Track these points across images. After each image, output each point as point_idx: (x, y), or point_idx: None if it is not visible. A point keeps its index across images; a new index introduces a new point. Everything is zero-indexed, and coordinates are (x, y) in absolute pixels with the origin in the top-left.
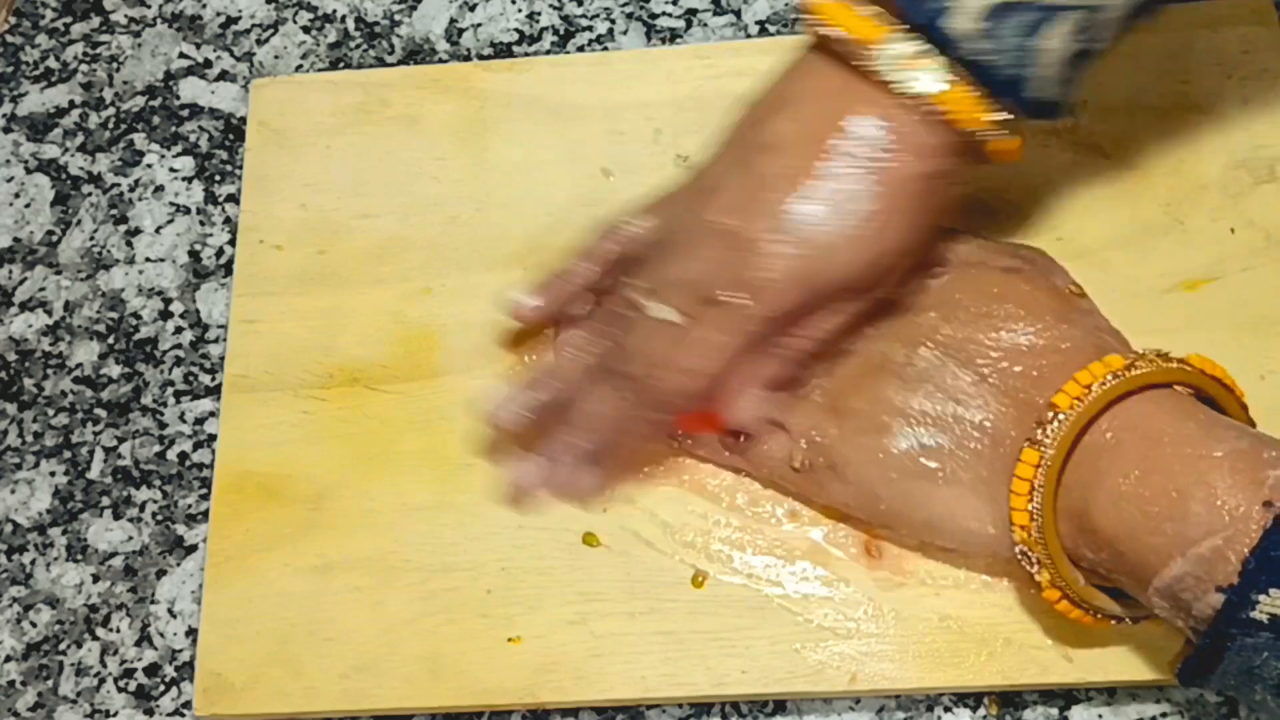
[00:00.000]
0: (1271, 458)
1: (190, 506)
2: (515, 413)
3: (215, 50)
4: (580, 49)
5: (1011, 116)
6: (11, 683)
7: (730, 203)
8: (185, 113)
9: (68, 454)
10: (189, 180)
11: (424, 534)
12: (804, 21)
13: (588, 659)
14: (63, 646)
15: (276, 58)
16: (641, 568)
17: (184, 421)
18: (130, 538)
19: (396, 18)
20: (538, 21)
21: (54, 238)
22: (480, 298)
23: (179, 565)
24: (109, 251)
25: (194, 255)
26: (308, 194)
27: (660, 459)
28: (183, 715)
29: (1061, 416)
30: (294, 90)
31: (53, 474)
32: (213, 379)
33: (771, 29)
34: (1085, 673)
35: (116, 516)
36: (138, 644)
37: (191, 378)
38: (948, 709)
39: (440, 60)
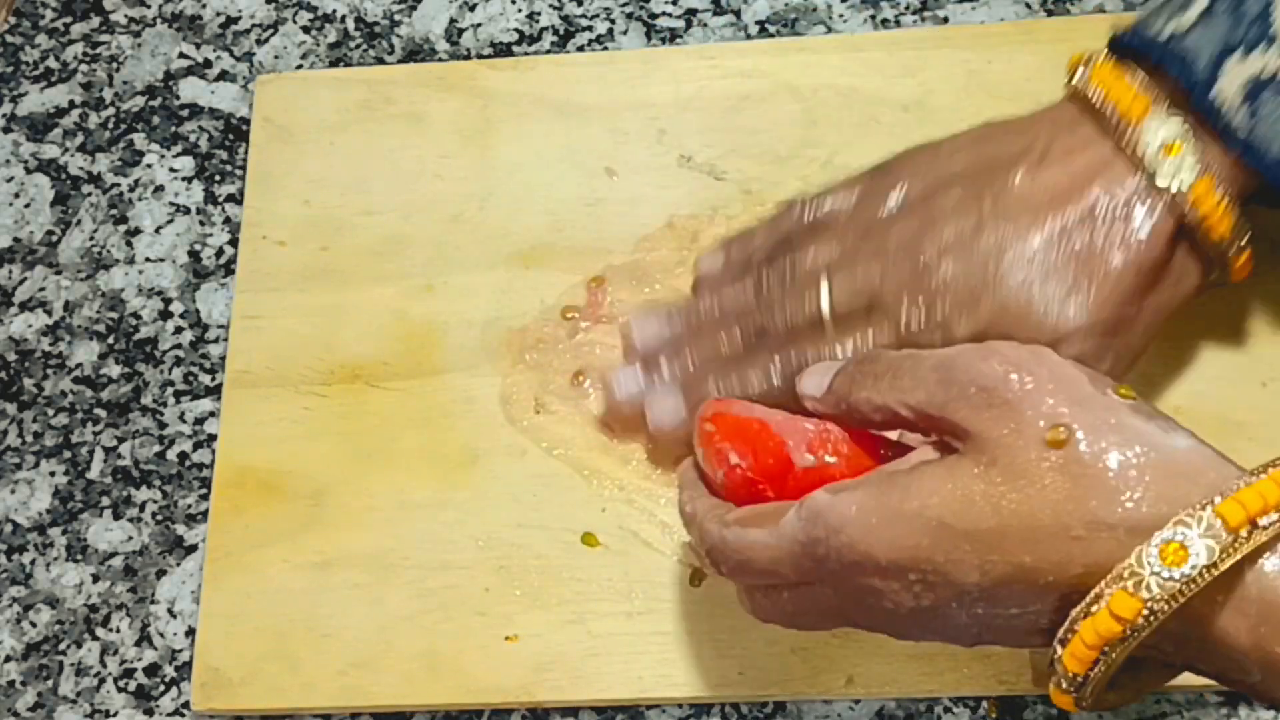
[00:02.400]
0: None
1: (190, 506)
2: (651, 334)
3: (215, 50)
4: (580, 49)
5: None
6: (11, 683)
7: (949, 238)
8: (185, 113)
9: (68, 454)
10: (189, 180)
11: (423, 532)
12: (1074, 77)
13: (585, 658)
14: (63, 646)
15: (276, 58)
16: (639, 568)
17: (184, 421)
18: (130, 538)
19: (396, 17)
20: (538, 21)
21: (54, 238)
22: (482, 296)
23: (179, 565)
24: (109, 251)
25: (194, 255)
26: (311, 190)
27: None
28: (183, 715)
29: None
30: (298, 86)
31: (53, 474)
32: (213, 379)
33: (771, 29)
34: None
35: (116, 516)
36: (138, 644)
37: (191, 378)
38: (948, 709)
39: (440, 60)
